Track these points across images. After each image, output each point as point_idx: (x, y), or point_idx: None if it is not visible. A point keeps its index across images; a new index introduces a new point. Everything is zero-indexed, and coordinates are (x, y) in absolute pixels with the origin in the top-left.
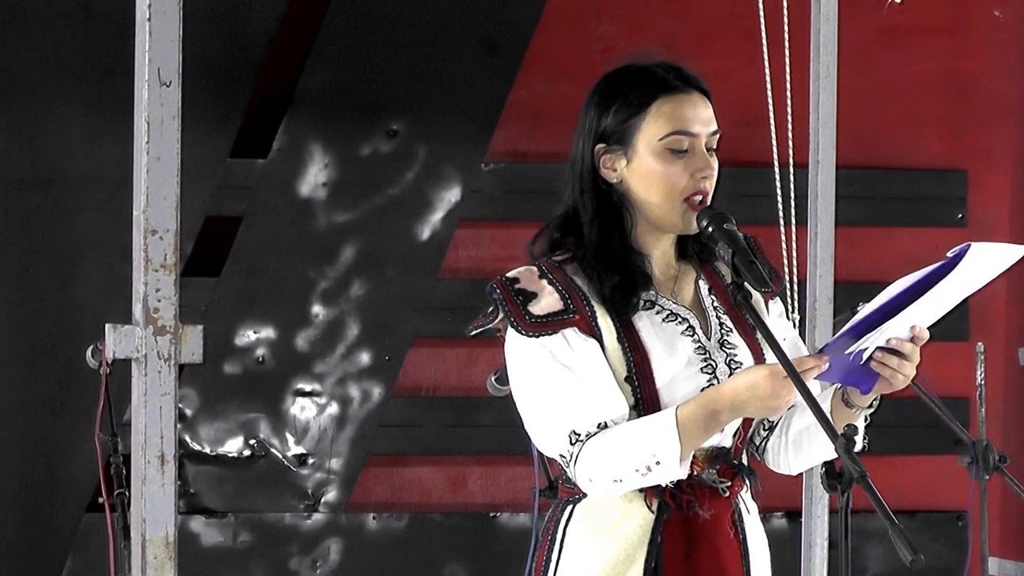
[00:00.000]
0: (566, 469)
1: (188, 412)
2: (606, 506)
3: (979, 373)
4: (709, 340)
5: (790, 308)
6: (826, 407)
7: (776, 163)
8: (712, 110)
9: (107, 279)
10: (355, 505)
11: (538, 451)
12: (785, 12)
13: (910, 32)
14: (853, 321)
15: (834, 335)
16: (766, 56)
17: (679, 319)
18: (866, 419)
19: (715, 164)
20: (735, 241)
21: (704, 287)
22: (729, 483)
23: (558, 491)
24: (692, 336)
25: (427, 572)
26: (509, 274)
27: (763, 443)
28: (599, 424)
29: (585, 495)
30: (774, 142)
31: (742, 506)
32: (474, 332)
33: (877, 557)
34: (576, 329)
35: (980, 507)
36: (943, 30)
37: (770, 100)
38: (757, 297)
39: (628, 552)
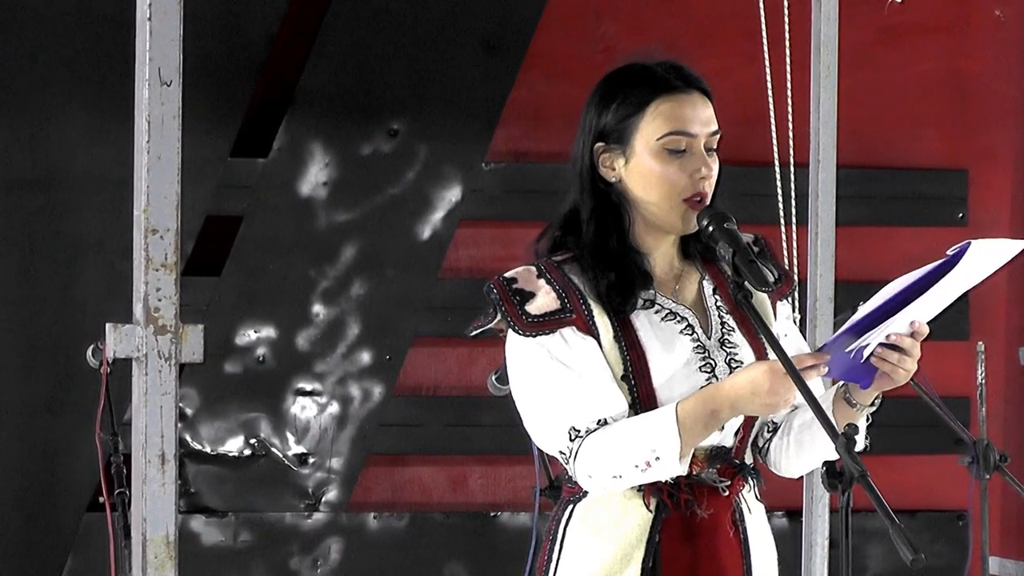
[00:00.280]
0: (565, 466)
1: (189, 411)
2: (605, 505)
3: (979, 372)
4: (709, 339)
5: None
6: (828, 406)
7: (777, 163)
8: (713, 110)
9: (108, 279)
10: (356, 504)
11: (539, 450)
12: (786, 12)
13: (911, 32)
14: (853, 319)
15: (834, 334)
16: (767, 56)
17: (678, 318)
18: (868, 418)
19: (715, 164)
20: (735, 240)
21: (708, 287)
22: (729, 482)
23: (560, 490)
24: (691, 335)
25: (427, 572)
26: (507, 274)
27: (766, 444)
28: (599, 420)
29: (586, 494)
30: (775, 142)
31: (743, 505)
32: (473, 333)
33: (878, 556)
34: (574, 328)
35: (981, 506)
36: (944, 30)
37: (771, 100)
38: (763, 298)
39: (626, 551)
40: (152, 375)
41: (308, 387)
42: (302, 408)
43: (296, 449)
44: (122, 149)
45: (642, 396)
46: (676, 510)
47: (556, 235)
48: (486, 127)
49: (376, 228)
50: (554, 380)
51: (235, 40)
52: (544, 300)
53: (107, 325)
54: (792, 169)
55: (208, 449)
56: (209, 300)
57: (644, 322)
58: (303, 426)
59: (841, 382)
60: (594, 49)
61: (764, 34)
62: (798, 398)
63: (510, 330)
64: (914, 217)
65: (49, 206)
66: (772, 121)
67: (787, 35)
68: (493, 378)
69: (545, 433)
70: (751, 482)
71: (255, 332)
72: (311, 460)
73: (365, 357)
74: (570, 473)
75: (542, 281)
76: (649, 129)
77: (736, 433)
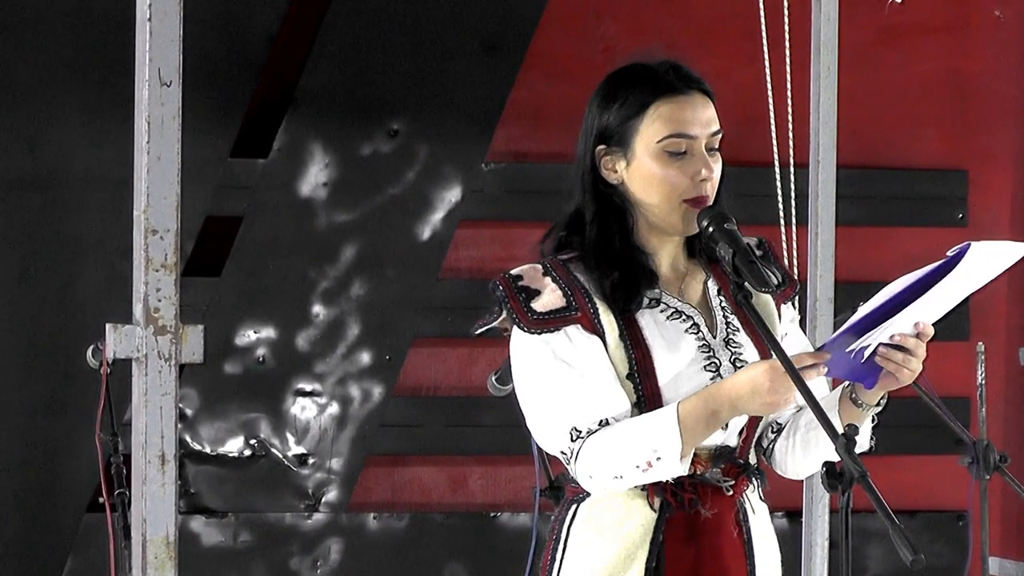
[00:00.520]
0: (567, 466)
1: (188, 412)
2: (609, 505)
3: (980, 373)
4: (714, 339)
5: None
6: (833, 407)
7: (776, 163)
8: (714, 110)
9: (107, 279)
10: (355, 505)
11: (539, 450)
12: (786, 12)
13: (911, 32)
14: (853, 319)
15: (834, 333)
16: (767, 56)
17: (683, 317)
18: (874, 418)
19: (717, 164)
20: (735, 241)
21: (713, 287)
22: (733, 482)
23: (562, 491)
24: (696, 334)
25: (427, 572)
26: (513, 271)
27: (771, 445)
28: (600, 421)
29: (589, 494)
30: (774, 142)
31: (747, 505)
32: (479, 331)
33: (878, 557)
34: (579, 326)
35: (981, 507)
36: (944, 30)
37: (770, 100)
38: (767, 299)
39: (629, 551)
40: (152, 375)
41: (308, 387)
42: (302, 408)
43: (296, 449)
44: (122, 149)
45: (647, 395)
46: (680, 509)
47: (561, 235)
48: (486, 127)
49: (376, 228)
50: (556, 379)
51: (235, 40)
52: (550, 298)
53: (107, 325)
54: (792, 169)
55: (208, 449)
56: (209, 300)
57: (649, 321)
58: (303, 426)
59: (847, 382)
60: (594, 49)
61: (764, 34)
62: (800, 398)
63: (515, 327)
64: (914, 217)
65: (49, 206)
66: (772, 121)
67: (787, 35)
68: (493, 378)
69: (547, 433)
70: (755, 482)
71: (255, 332)
72: (311, 460)
73: (365, 357)
74: (571, 473)
75: (548, 279)
76: (649, 132)
77: (740, 433)
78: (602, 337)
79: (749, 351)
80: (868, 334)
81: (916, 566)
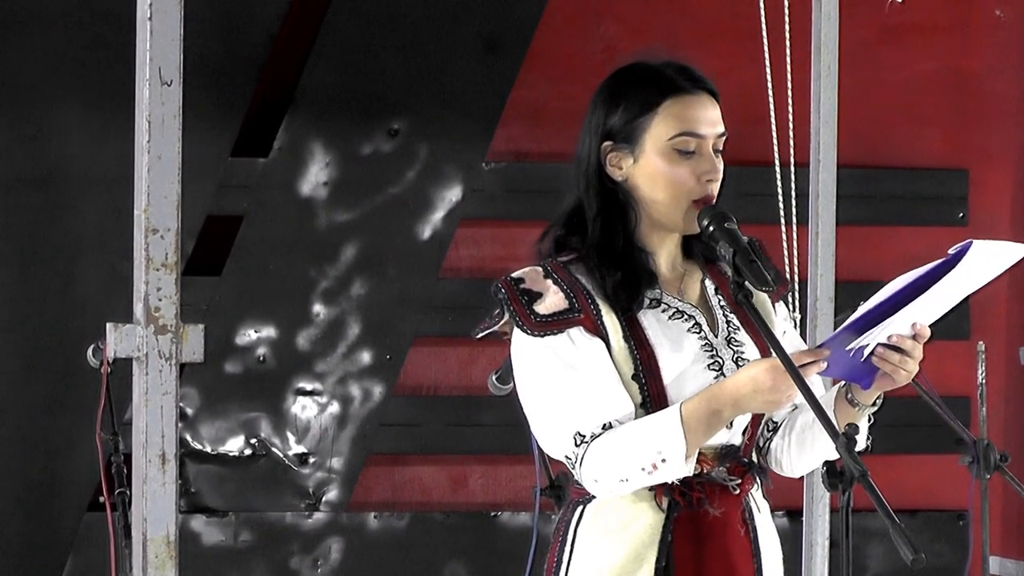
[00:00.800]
0: (572, 471)
1: (189, 411)
2: (616, 506)
3: (980, 372)
4: (716, 337)
5: (791, 308)
6: (830, 406)
7: (777, 162)
8: (719, 111)
9: (108, 278)
10: (356, 504)
11: (539, 450)
12: (786, 12)
13: (911, 31)
14: (853, 317)
15: (834, 331)
16: (767, 55)
17: (685, 316)
18: (870, 418)
19: (721, 166)
20: (736, 240)
21: (711, 286)
22: (739, 481)
23: (565, 491)
24: (699, 333)
25: (428, 571)
26: (514, 274)
27: (767, 444)
28: (603, 425)
29: (595, 496)
30: (775, 141)
31: (752, 504)
32: (480, 335)
33: (878, 556)
34: (581, 328)
35: (981, 506)
36: (944, 29)
37: (771, 99)
38: (764, 298)
39: (639, 552)
40: (152, 375)
41: (308, 387)
42: (302, 408)
43: (296, 449)
44: (122, 149)
45: (653, 395)
46: (688, 508)
47: (559, 235)
48: (486, 127)
49: (376, 228)
50: (559, 383)
51: (235, 40)
52: (552, 300)
53: (107, 325)
54: (792, 169)
55: (208, 449)
56: (209, 300)
57: (652, 321)
58: (303, 426)
59: (843, 381)
60: (594, 49)
61: (764, 34)
62: (799, 397)
63: (517, 330)
64: (914, 217)
65: (49, 205)
66: (772, 121)
67: (787, 35)
68: (493, 378)
69: (551, 438)
70: (759, 481)
71: (255, 332)
72: (311, 460)
73: (365, 357)
74: (577, 478)
75: (549, 281)
76: (659, 129)
77: (744, 431)
78: (605, 339)
79: (750, 349)
80: (868, 332)
81: (916, 565)
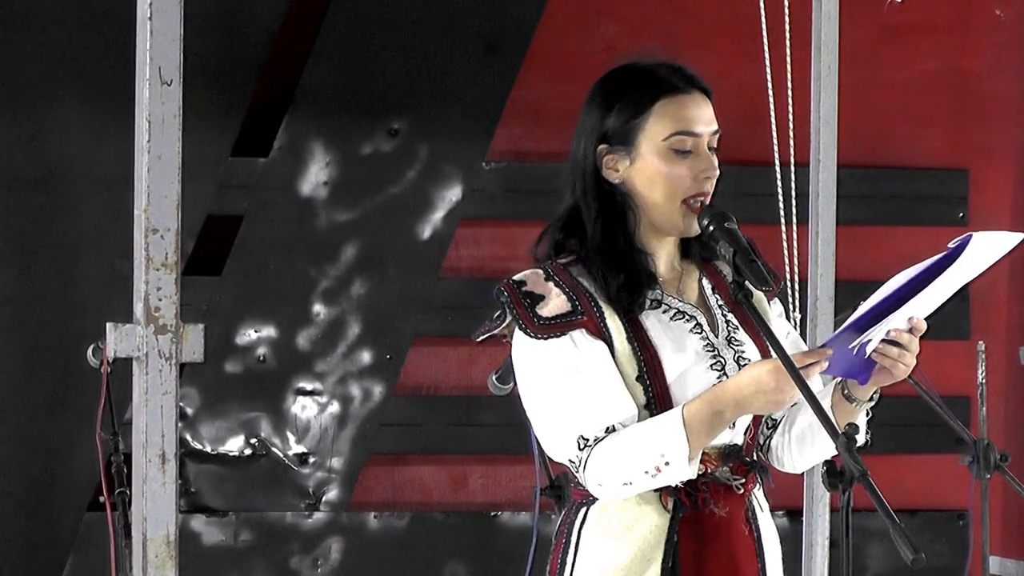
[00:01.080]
0: (576, 475)
1: (189, 411)
2: (620, 508)
3: (980, 372)
4: (717, 337)
5: (791, 307)
6: (826, 403)
7: (777, 162)
8: (712, 109)
9: (108, 278)
10: (356, 504)
11: (539, 449)
12: (786, 11)
13: (911, 31)
14: (855, 315)
15: (837, 330)
16: (767, 55)
17: (686, 317)
18: (868, 413)
19: (716, 164)
20: (736, 240)
21: (708, 286)
22: (743, 480)
23: (565, 491)
24: (700, 333)
25: (428, 571)
26: (516, 277)
27: (767, 441)
28: (607, 428)
29: (598, 498)
30: (775, 141)
31: (755, 503)
32: (481, 337)
33: (878, 556)
34: (584, 331)
35: (981, 506)
36: (944, 29)
37: (771, 99)
38: (760, 296)
39: (645, 553)
40: (152, 375)
41: (308, 387)
42: (303, 408)
43: (297, 449)
44: (122, 149)
45: (656, 396)
46: (693, 509)
47: (557, 238)
48: (486, 127)
49: (376, 228)
50: (562, 386)
51: (236, 39)
52: (555, 303)
53: (107, 325)
54: (792, 169)
55: (209, 448)
56: (209, 300)
57: (654, 322)
58: (304, 426)
59: (839, 378)
60: (594, 49)
61: (764, 34)
62: (800, 396)
63: (519, 333)
64: (914, 217)
65: (49, 205)
66: (772, 121)
67: (787, 35)
68: (494, 378)
69: (554, 442)
70: (761, 480)
71: (255, 332)
72: (311, 460)
73: (365, 357)
74: (581, 481)
75: (551, 284)
76: (655, 130)
77: (746, 431)
78: (609, 341)
79: (751, 349)
80: (870, 330)
81: (916, 565)
